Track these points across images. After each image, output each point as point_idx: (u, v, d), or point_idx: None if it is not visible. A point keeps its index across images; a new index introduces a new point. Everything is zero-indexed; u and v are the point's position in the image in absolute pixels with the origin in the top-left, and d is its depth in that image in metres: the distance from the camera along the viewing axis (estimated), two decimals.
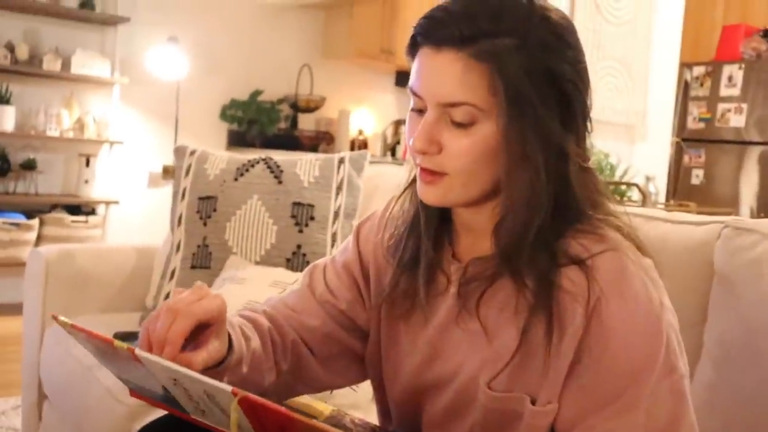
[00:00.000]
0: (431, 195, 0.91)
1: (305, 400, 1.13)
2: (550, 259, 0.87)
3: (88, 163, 4.51)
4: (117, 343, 0.81)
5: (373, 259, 1.08)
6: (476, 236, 0.95)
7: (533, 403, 0.87)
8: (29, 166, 4.34)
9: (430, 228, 0.98)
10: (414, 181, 0.98)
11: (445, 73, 0.85)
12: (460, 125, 0.86)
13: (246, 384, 0.95)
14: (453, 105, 0.85)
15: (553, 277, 0.86)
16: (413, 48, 0.90)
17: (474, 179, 0.88)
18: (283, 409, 0.70)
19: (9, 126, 4.19)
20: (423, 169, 0.90)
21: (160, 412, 0.99)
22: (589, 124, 0.90)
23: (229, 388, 0.72)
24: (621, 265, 0.85)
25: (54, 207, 4.45)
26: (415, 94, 0.90)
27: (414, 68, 0.90)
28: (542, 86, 0.84)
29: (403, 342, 1.03)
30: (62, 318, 0.86)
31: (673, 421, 0.83)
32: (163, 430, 1.01)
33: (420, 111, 0.90)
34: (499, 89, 0.83)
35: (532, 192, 0.86)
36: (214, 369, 0.89)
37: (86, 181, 4.51)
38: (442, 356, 0.97)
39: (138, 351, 0.80)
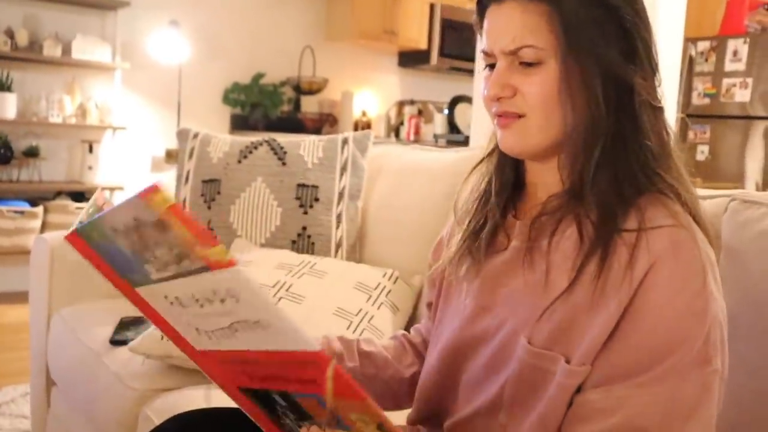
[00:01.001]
0: (510, 140, 0.94)
1: None
2: (617, 196, 0.87)
3: (91, 150, 4.51)
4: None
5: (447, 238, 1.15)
6: (547, 194, 0.97)
7: (568, 362, 0.87)
8: (32, 153, 4.34)
9: (502, 192, 1.03)
10: (485, 157, 1.05)
11: (508, 22, 0.90)
12: (529, 65, 0.89)
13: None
14: (518, 50, 0.89)
15: (618, 217, 0.86)
16: (481, 16, 0.95)
17: (549, 119, 0.90)
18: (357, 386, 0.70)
19: (11, 113, 4.18)
20: (500, 115, 0.94)
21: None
22: (658, 74, 0.92)
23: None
24: (685, 243, 0.84)
25: (58, 194, 4.46)
26: (486, 53, 0.94)
27: (483, 31, 0.94)
28: (599, 19, 0.87)
29: (455, 302, 1.07)
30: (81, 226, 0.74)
31: (690, 411, 0.82)
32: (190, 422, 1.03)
33: (492, 66, 0.94)
34: (556, 25, 0.87)
35: (591, 120, 0.89)
36: None
37: (90, 168, 4.51)
38: (489, 310, 0.99)
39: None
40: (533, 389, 0.90)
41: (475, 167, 1.08)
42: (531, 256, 0.94)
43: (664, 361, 0.82)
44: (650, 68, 0.91)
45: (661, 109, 0.92)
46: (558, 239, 0.92)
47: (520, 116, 0.92)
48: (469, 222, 1.05)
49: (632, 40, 0.89)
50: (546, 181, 0.98)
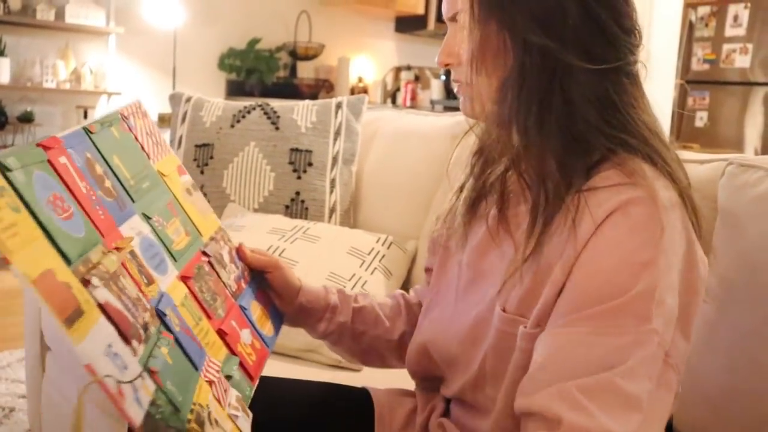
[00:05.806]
0: (463, 107, 0.96)
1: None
2: (557, 162, 0.85)
3: (86, 115, 4.48)
4: None
5: None
6: None
7: (525, 327, 0.86)
8: (27, 118, 4.31)
9: (481, 152, 1.02)
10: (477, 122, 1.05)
11: None
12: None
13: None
14: (455, 15, 0.91)
15: (559, 180, 0.84)
16: None
17: (483, 86, 0.89)
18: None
19: (4, 78, 4.14)
20: (455, 81, 0.96)
21: None
22: (618, 33, 0.86)
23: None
24: (637, 201, 0.80)
25: None
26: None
27: None
28: None
29: (450, 271, 1.06)
30: None
31: (616, 361, 0.77)
32: None
33: None
34: None
35: (509, 88, 0.86)
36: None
37: None
38: (478, 280, 0.98)
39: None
40: (508, 357, 0.89)
41: (468, 131, 1.07)
42: (504, 223, 0.95)
43: (594, 305, 0.79)
44: (593, 28, 0.84)
45: (604, 71, 0.85)
46: (525, 208, 0.91)
47: (467, 84, 0.91)
48: (460, 186, 1.05)
49: (562, 7, 0.83)
50: None
